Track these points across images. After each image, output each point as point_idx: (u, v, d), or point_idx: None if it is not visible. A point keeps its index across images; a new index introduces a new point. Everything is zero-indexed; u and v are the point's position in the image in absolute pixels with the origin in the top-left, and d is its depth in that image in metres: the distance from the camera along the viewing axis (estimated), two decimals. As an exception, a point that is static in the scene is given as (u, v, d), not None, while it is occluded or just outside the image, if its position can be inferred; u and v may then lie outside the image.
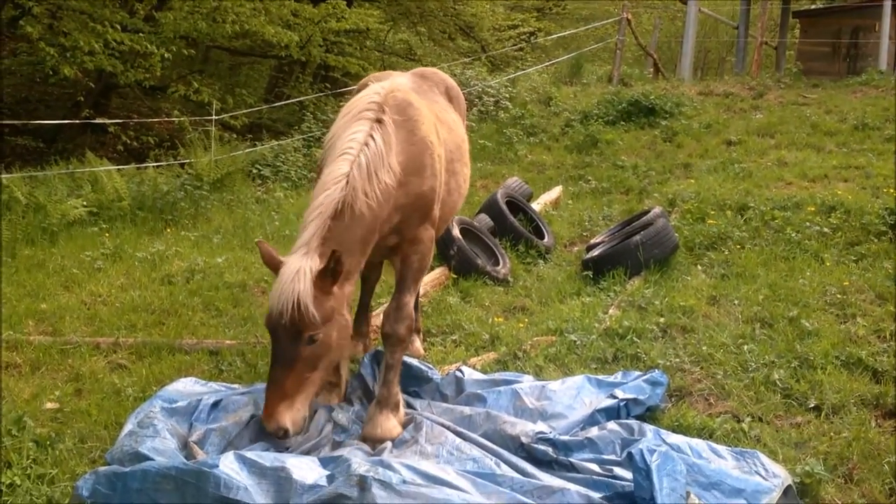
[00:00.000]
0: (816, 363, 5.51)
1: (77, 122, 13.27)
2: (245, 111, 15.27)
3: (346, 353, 4.82)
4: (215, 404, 4.94)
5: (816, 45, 20.04)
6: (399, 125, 4.81)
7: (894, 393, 5.11)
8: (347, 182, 4.46)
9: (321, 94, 16.48)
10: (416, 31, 21.99)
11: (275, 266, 4.42)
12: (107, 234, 9.24)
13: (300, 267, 4.27)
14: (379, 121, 4.71)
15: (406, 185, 4.79)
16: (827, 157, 11.64)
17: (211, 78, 18.38)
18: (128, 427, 4.65)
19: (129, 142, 14.66)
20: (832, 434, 4.72)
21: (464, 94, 6.60)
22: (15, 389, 5.37)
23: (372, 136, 4.62)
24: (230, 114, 14.39)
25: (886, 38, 18.66)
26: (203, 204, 10.90)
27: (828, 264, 7.56)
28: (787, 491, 4.01)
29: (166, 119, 15.38)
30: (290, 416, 4.32)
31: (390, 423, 4.82)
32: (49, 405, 5.19)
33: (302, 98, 16.52)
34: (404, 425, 4.88)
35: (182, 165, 12.22)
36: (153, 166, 12.03)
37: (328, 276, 4.30)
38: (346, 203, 4.44)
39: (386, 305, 5.38)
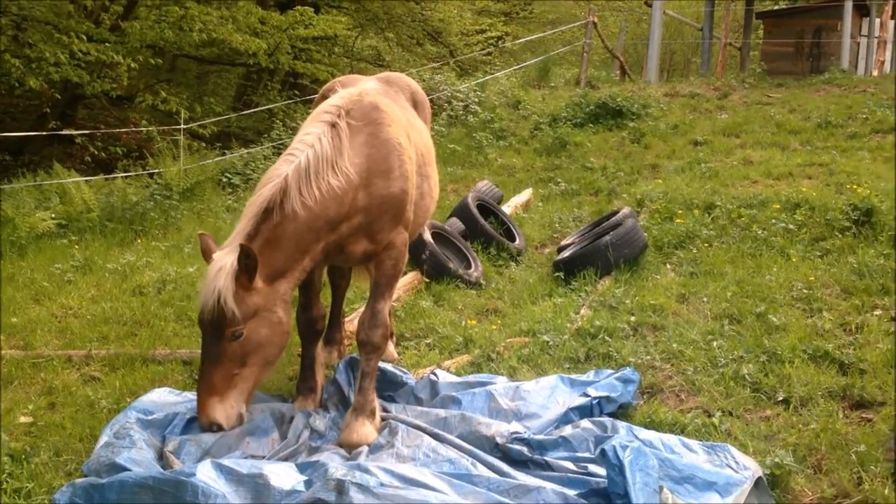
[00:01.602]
0: (784, 357, 5.60)
1: (44, 133, 13.20)
2: (214, 120, 15.24)
3: (278, 352, 4.82)
4: (192, 420, 4.93)
5: (780, 46, 20.31)
6: (358, 129, 4.84)
7: (860, 384, 5.21)
8: (279, 182, 4.51)
9: (290, 101, 16.48)
10: (385, 36, 22.04)
11: (207, 260, 4.52)
12: (76, 247, 9.19)
13: (223, 263, 4.34)
14: (333, 124, 4.75)
15: (369, 187, 4.81)
16: (791, 155, 11.83)
17: (179, 87, 18.31)
18: (103, 439, 4.63)
19: (96, 153, 14.58)
20: (801, 426, 4.81)
21: (433, 98, 6.64)
22: (-13, 404, 5.33)
23: (320, 139, 4.66)
24: (199, 122, 14.36)
25: (848, 37, 18.98)
26: (173, 214, 10.86)
27: (794, 260, 7.68)
28: (757, 483, 4.08)
29: (134, 129, 15.30)
30: (222, 411, 4.45)
31: (366, 429, 4.84)
32: (23, 419, 5.15)
33: (271, 105, 16.52)
34: (380, 430, 4.90)
35: (151, 175, 12.17)
36: (122, 177, 11.98)
37: (243, 272, 4.34)
38: (275, 202, 4.49)
39: (360, 312, 5.40)
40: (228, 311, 4.32)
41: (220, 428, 4.47)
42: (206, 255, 4.56)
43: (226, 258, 4.37)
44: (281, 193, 4.49)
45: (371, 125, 4.92)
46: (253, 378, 4.60)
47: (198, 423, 4.52)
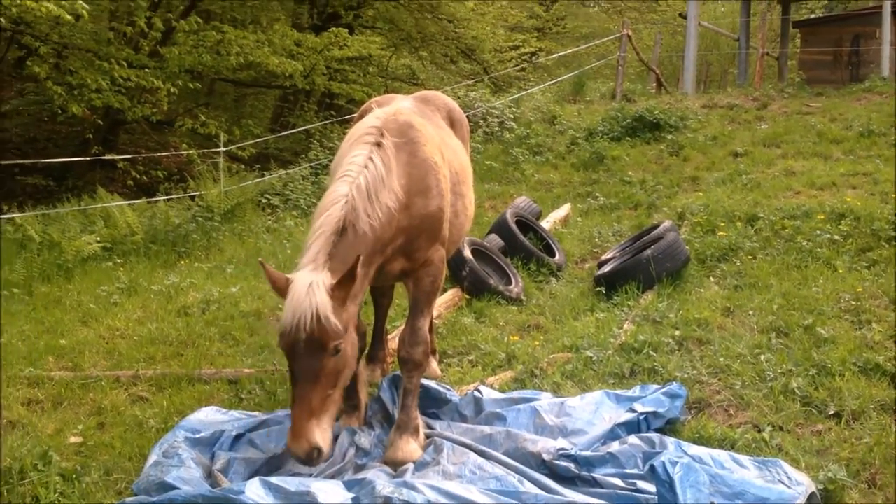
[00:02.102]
0: (834, 370, 5.52)
1: (86, 158, 13.41)
2: (252, 141, 15.40)
3: (351, 374, 4.76)
4: (238, 437, 4.97)
5: (818, 54, 20.09)
6: (399, 147, 4.85)
7: (913, 397, 5.12)
8: (347, 202, 4.48)
9: (326, 121, 16.59)
10: (419, 55, 22.16)
11: (281, 284, 4.33)
12: (121, 269, 9.32)
13: (312, 280, 4.22)
14: (378, 144, 4.75)
15: (410, 207, 4.82)
16: (834, 164, 11.67)
17: (217, 110, 18.55)
18: (152, 458, 4.69)
19: (138, 176, 14.80)
20: (853, 440, 4.73)
21: (468, 115, 6.63)
22: (38, 425, 5.41)
23: (371, 159, 4.66)
24: (237, 145, 14.52)
25: (888, 45, 18.70)
26: (215, 235, 10.99)
27: (840, 271, 7.57)
28: (811, 498, 4.02)
29: (174, 152, 15.52)
30: (320, 435, 4.17)
31: (411, 447, 4.84)
32: (73, 439, 5.23)
33: (308, 126, 16.64)
34: (424, 447, 4.89)
35: (192, 198, 12.32)
36: (164, 200, 12.14)
37: (341, 288, 4.27)
38: (348, 221, 4.45)
39: (401, 329, 5.41)
40: (331, 325, 4.18)
41: (319, 454, 4.17)
42: (274, 280, 4.38)
43: (310, 276, 4.25)
44: (353, 213, 4.47)
45: (409, 144, 4.95)
46: (339, 401, 4.46)
47: (291, 449, 4.15)
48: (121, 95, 13.76)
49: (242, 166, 15.13)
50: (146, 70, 13.95)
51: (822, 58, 20.03)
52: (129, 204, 11.42)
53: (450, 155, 5.41)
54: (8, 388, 5.89)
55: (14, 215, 10.15)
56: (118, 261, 9.70)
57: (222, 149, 13.02)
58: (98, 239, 9.95)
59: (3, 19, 11.62)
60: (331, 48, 17.06)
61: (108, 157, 14.17)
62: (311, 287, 4.19)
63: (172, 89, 14.01)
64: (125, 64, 13.32)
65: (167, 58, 14.65)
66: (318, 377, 4.21)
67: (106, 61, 13.17)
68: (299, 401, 4.20)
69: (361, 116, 5.65)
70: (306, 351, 4.19)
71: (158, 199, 12.23)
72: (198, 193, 12.28)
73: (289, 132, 17.00)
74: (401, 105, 5.33)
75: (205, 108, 17.53)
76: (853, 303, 6.77)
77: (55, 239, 9.69)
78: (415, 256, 4.99)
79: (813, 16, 24.87)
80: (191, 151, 14.11)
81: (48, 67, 13.84)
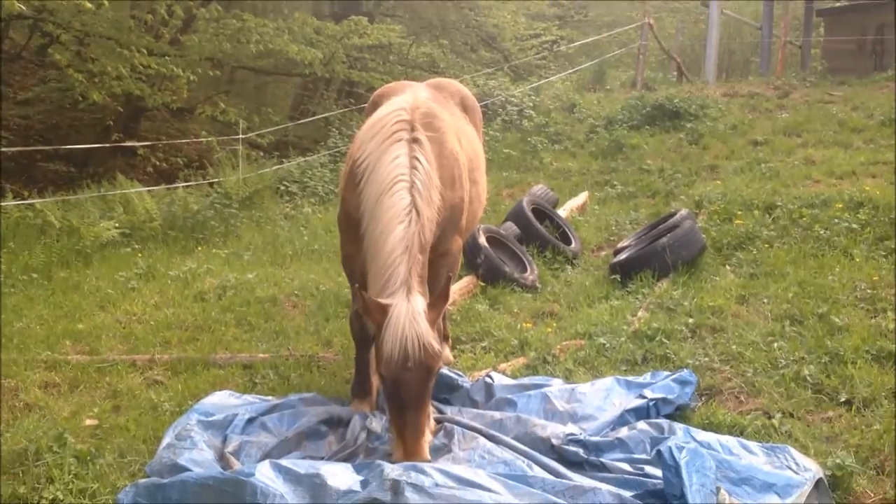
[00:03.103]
0: (847, 358, 5.49)
1: (107, 145, 13.49)
2: (271, 129, 15.44)
3: None
4: (251, 420, 5.01)
5: (841, 43, 19.89)
6: (431, 140, 4.77)
7: (926, 385, 5.08)
8: (417, 213, 4.44)
9: (346, 109, 16.62)
10: (439, 43, 22.07)
11: (377, 312, 4.27)
12: (139, 255, 9.40)
13: (411, 309, 4.22)
14: (415, 140, 4.66)
15: (443, 200, 4.77)
16: (854, 153, 11.58)
17: (237, 98, 18.58)
18: (166, 440, 4.74)
19: (158, 163, 14.89)
20: (863, 427, 4.72)
21: (487, 104, 6.60)
22: (55, 407, 5.48)
23: (417, 159, 4.58)
24: (257, 132, 14.56)
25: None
26: (233, 222, 11.06)
27: (857, 260, 7.52)
28: (818, 484, 4.01)
29: (194, 140, 15.57)
30: (427, 448, 4.32)
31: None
32: (88, 422, 5.29)
33: (327, 114, 16.66)
34: (435, 433, 4.92)
35: (211, 185, 12.39)
36: (183, 186, 12.21)
37: (438, 307, 4.34)
38: (423, 239, 4.45)
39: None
40: (434, 351, 4.24)
41: None
42: (372, 309, 4.29)
43: (408, 304, 4.25)
44: (420, 230, 4.45)
45: (439, 135, 4.89)
46: None
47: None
48: (141, 83, 13.81)
49: (261, 154, 15.17)
50: (166, 58, 14.00)
51: (845, 47, 19.83)
52: (149, 190, 11.51)
53: (465, 143, 5.41)
54: (25, 371, 5.96)
55: (34, 201, 10.25)
56: (136, 246, 9.79)
57: (241, 136, 13.08)
58: (117, 225, 10.04)
59: (25, 7, 11.71)
60: (350, 36, 17.05)
61: (128, 143, 14.26)
62: (412, 316, 4.21)
63: (192, 77, 14.04)
64: (145, 52, 13.36)
65: (187, 45, 14.72)
66: (423, 400, 4.31)
67: (126, 49, 13.22)
68: (411, 424, 4.27)
69: (374, 104, 5.63)
70: (414, 378, 4.23)
71: (177, 185, 12.30)
72: (216, 180, 12.35)
73: (308, 120, 17.02)
74: (419, 95, 5.24)
75: (225, 96, 17.56)
76: (869, 291, 6.72)
77: (74, 225, 9.78)
78: (437, 247, 4.95)
79: (837, 4, 24.55)
80: (210, 139, 14.17)
81: (69, 55, 13.92)
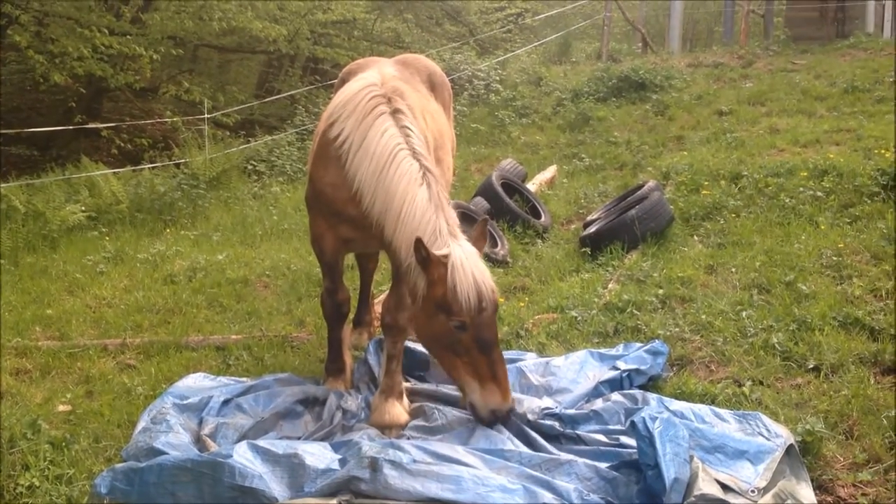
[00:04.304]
0: (814, 325, 5.58)
1: (70, 127, 13.28)
2: (237, 108, 15.29)
3: None
4: (226, 402, 5.01)
5: (803, 11, 19.96)
6: None
7: (892, 350, 5.18)
8: (432, 174, 4.55)
9: (312, 86, 16.50)
10: (403, 18, 21.91)
11: (438, 265, 4.31)
12: (107, 238, 9.32)
13: (469, 253, 4.36)
14: (397, 111, 4.71)
15: None
16: (818, 121, 11.69)
17: (201, 76, 18.34)
18: (141, 424, 4.74)
19: (122, 145, 14.68)
20: (832, 393, 4.81)
21: (454, 79, 6.56)
22: (27, 394, 5.45)
23: (406, 127, 4.65)
24: (222, 111, 14.42)
25: (872, 0, 18.65)
26: (200, 203, 10.98)
27: (823, 228, 7.62)
28: (789, 450, 4.09)
29: (159, 120, 15.38)
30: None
31: (396, 410, 4.87)
32: (62, 408, 5.27)
33: (293, 92, 16.54)
34: (412, 413, 4.94)
35: (177, 165, 12.27)
36: (149, 168, 12.09)
37: (479, 247, 4.53)
38: (445, 194, 4.61)
39: (385, 295, 5.43)
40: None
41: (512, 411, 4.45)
42: (433, 259, 4.31)
43: (462, 250, 4.35)
44: (439, 188, 4.56)
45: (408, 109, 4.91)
46: None
47: (502, 407, 4.36)
48: (103, 63, 13.61)
49: (227, 133, 15.04)
50: (128, 37, 13.82)
51: (807, 14, 19.91)
52: (114, 172, 11.37)
53: (429, 120, 5.38)
54: (-5, 359, 5.92)
55: (-1, 186, 10.11)
56: (103, 230, 9.70)
57: (207, 116, 12.95)
58: (83, 208, 9.93)
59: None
60: (315, 11, 16.92)
61: (91, 125, 14.05)
62: (473, 260, 4.34)
63: (155, 56, 13.87)
64: (107, 31, 13.17)
65: (149, 24, 14.50)
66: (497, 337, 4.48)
67: (87, 29, 13.02)
68: (499, 361, 4.41)
69: (343, 81, 5.60)
70: (490, 318, 4.40)
71: (143, 167, 12.17)
72: (183, 161, 12.23)
73: (274, 98, 16.88)
74: (385, 70, 5.23)
75: (188, 75, 17.37)
76: (835, 258, 6.82)
77: (40, 209, 9.65)
78: None
79: (799, -28, 24.64)
80: (175, 119, 14.00)
81: (29, 36, 13.63)
